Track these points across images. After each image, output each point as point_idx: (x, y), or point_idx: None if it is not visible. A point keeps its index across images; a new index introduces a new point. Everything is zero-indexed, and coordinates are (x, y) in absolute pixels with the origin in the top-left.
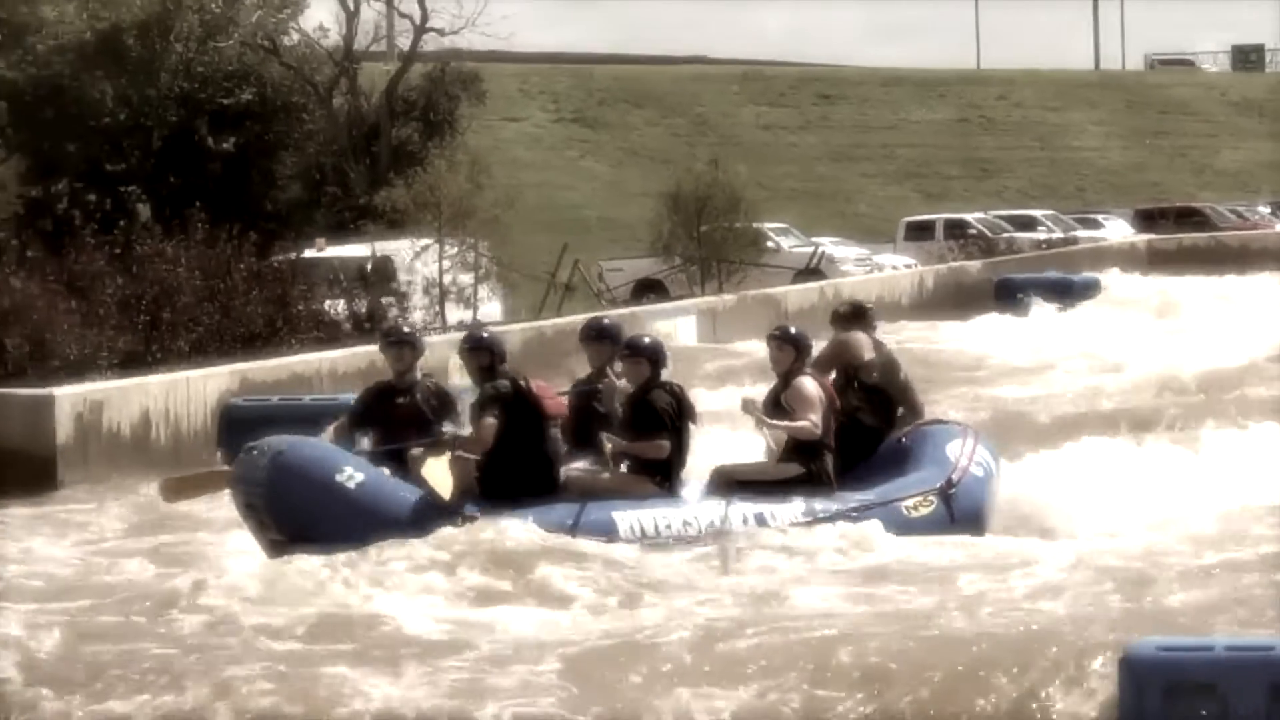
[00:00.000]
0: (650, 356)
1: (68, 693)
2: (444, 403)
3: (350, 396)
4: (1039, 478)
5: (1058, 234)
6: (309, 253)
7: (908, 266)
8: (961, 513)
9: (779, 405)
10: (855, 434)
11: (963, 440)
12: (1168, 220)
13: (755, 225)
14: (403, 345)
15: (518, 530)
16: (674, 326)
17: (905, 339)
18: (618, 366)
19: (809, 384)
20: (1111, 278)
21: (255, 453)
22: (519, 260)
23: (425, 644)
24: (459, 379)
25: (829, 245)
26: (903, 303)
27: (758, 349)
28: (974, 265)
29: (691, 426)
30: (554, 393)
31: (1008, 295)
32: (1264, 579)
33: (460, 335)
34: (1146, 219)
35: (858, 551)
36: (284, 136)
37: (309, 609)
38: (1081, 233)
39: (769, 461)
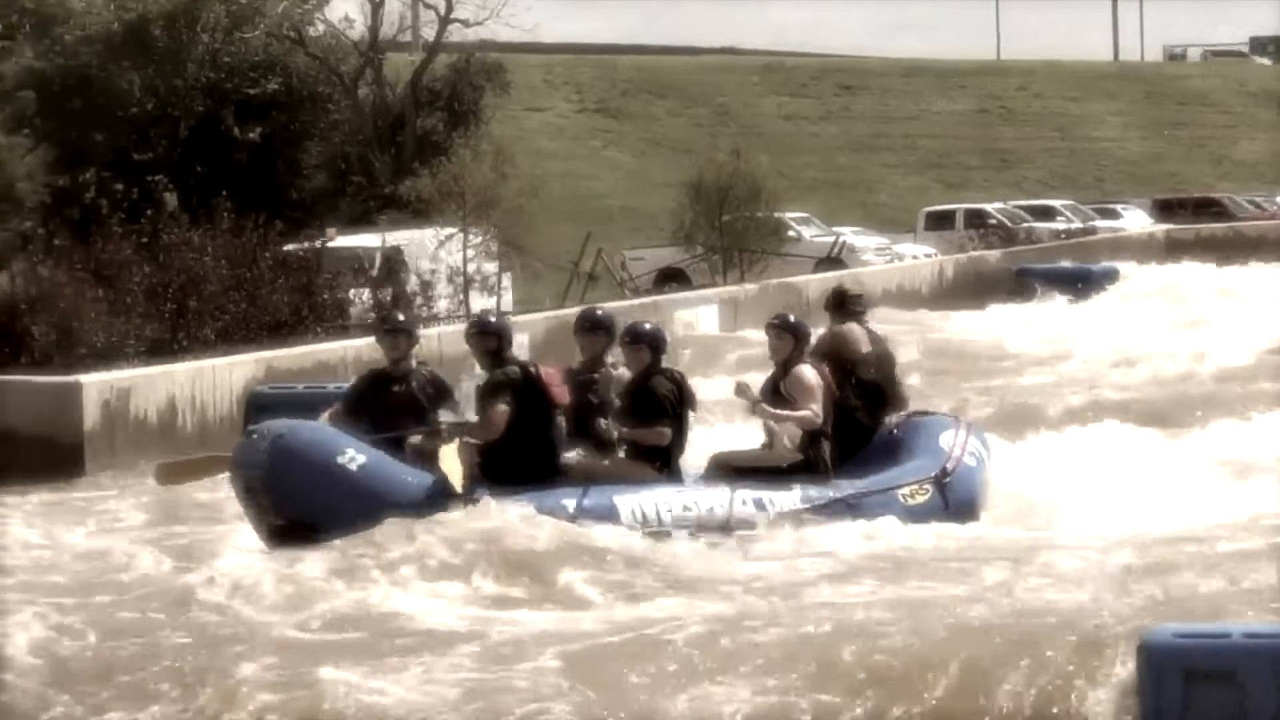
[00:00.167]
0: (651, 343)
1: (72, 692)
2: (439, 391)
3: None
4: (1049, 467)
5: (1077, 224)
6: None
7: (928, 256)
8: (956, 501)
9: (778, 393)
10: (849, 427)
11: (955, 430)
12: (1186, 210)
13: (777, 215)
14: (398, 334)
15: (523, 518)
16: (696, 315)
17: (923, 327)
18: (610, 357)
19: (809, 372)
20: (1130, 267)
21: (255, 436)
22: (543, 249)
23: (433, 640)
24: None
25: (850, 235)
26: (923, 292)
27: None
28: (993, 255)
29: (691, 414)
30: (559, 380)
31: (1027, 285)
32: (1276, 567)
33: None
34: (1165, 209)
35: (866, 543)
36: (309, 126)
37: (319, 605)
38: (1100, 223)
39: (768, 447)
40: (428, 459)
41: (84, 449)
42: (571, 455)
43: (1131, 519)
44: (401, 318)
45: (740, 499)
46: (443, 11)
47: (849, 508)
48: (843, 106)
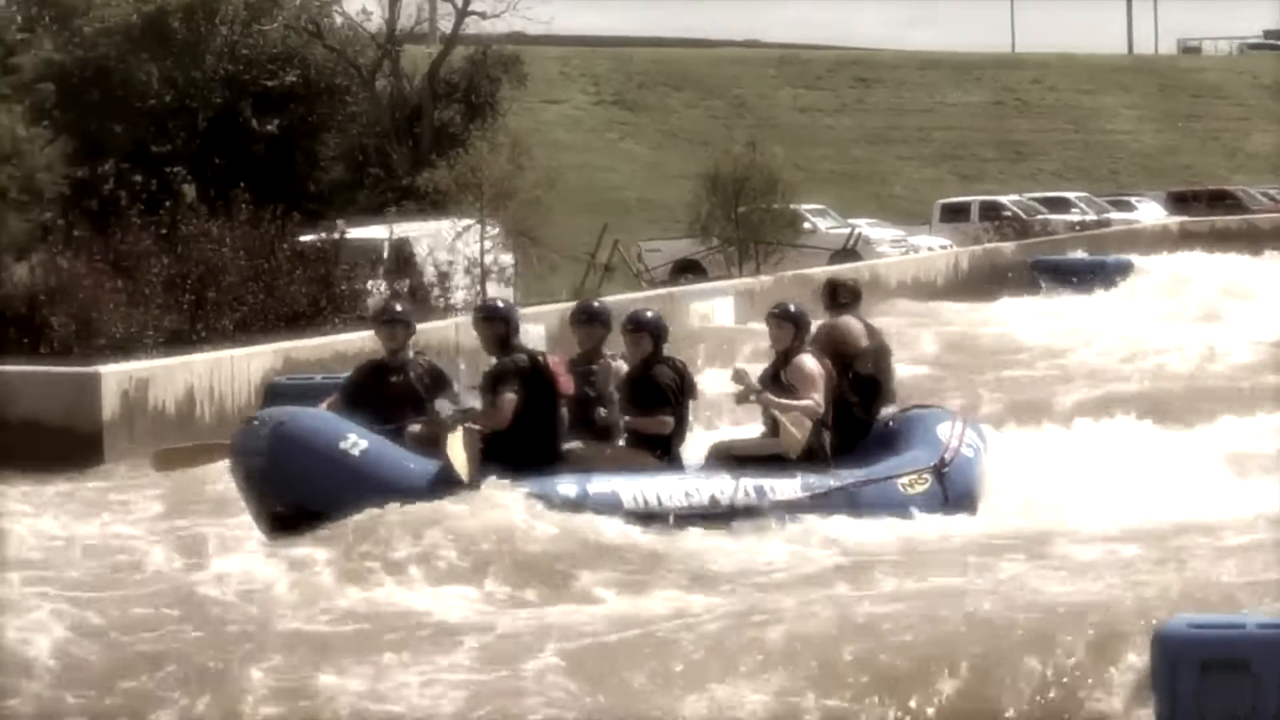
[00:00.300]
0: (652, 331)
1: (77, 696)
2: (437, 381)
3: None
4: (1060, 461)
5: (1091, 216)
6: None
7: (943, 248)
8: (955, 491)
9: (778, 382)
10: (846, 421)
11: (952, 423)
12: (1200, 203)
13: (792, 207)
14: (395, 324)
15: (528, 511)
16: (712, 307)
17: (937, 319)
18: (607, 349)
19: (810, 361)
20: (1144, 260)
21: (256, 423)
22: (559, 241)
23: (440, 639)
24: None
25: (865, 227)
26: (938, 283)
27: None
28: (1008, 247)
29: (691, 402)
30: (564, 370)
31: (1043, 277)
32: None
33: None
34: (1179, 201)
35: (872, 536)
36: (327, 118)
37: (327, 603)
38: (1114, 215)
39: (768, 436)
40: (432, 446)
41: (103, 439)
42: (574, 445)
43: (1143, 512)
44: (399, 308)
45: (742, 487)
46: (460, 4)
47: (849, 496)
48: (858, 99)
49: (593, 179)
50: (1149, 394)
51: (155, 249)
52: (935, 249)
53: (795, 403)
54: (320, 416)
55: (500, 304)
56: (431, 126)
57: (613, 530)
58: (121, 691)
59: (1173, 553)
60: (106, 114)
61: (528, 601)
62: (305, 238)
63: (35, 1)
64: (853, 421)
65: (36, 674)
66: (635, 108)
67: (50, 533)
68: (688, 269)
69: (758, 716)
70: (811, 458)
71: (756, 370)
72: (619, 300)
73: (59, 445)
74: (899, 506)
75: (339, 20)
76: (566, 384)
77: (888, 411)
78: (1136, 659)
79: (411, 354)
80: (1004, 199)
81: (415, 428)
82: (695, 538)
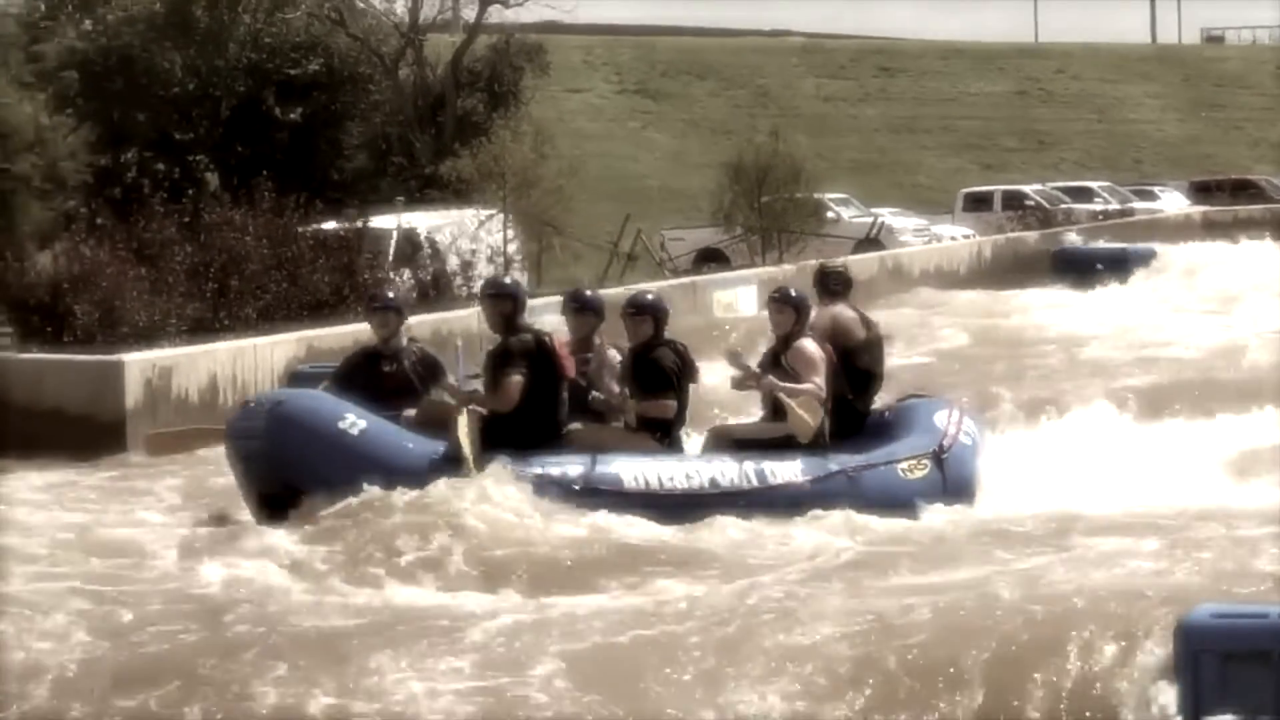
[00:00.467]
0: (654, 314)
1: (81, 703)
2: (430, 369)
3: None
4: (1077, 452)
5: (1114, 205)
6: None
7: (966, 237)
8: (954, 478)
9: (778, 365)
10: (843, 412)
11: (949, 411)
12: (1223, 192)
13: (816, 196)
14: (388, 311)
15: (531, 496)
16: (735, 296)
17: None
18: (598, 337)
19: (811, 345)
20: (1167, 249)
21: (253, 405)
22: (582, 230)
23: (445, 639)
24: None
25: (888, 216)
26: (960, 272)
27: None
28: (1031, 236)
29: (692, 385)
30: (568, 352)
31: (1065, 266)
32: None
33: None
34: (1202, 191)
35: (882, 527)
36: (350, 107)
37: (334, 602)
38: (1138, 204)
39: (767, 420)
40: (430, 428)
41: (125, 427)
42: (575, 426)
43: (1161, 502)
44: (391, 294)
45: (742, 470)
46: None
47: (849, 480)
48: (881, 88)
49: (615, 168)
50: (1167, 384)
51: (178, 237)
52: (958, 238)
53: (799, 386)
54: (318, 397)
55: (508, 281)
56: (454, 115)
57: (618, 522)
58: (125, 695)
59: (1192, 543)
60: (129, 102)
61: (533, 597)
62: (327, 225)
63: None
64: (849, 412)
65: (37, 677)
66: (658, 97)
67: (65, 523)
68: (711, 258)
69: (777, 714)
70: (811, 442)
71: (752, 361)
72: (641, 289)
73: (82, 433)
74: (899, 491)
75: (362, 9)
76: (570, 365)
77: (884, 401)
78: (1159, 649)
79: (404, 341)
80: (1027, 188)
81: (410, 412)
82: (702, 529)
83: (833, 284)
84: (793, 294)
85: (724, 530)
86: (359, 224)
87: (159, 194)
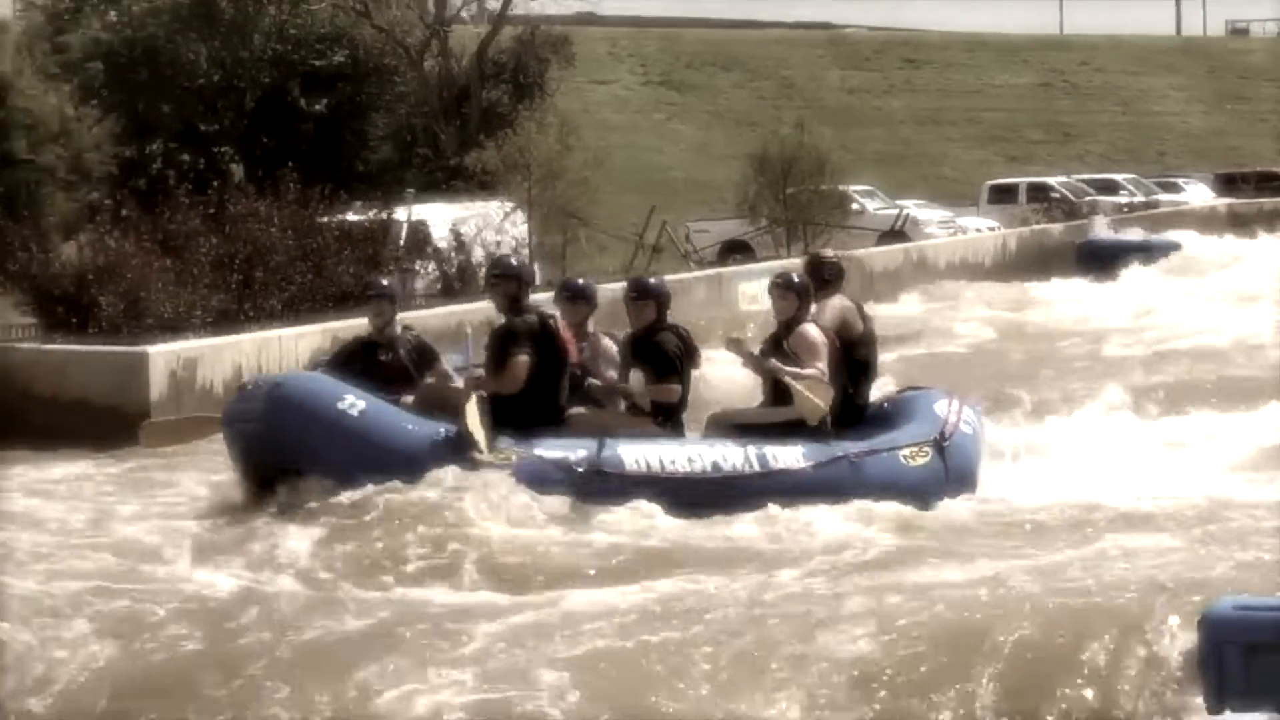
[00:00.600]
0: (657, 298)
1: (79, 703)
2: (424, 356)
3: (455, 355)
4: (1091, 445)
5: (1139, 198)
6: (351, 216)
7: (991, 229)
8: (955, 466)
9: (781, 351)
10: (842, 405)
11: (949, 401)
12: (1248, 185)
13: (841, 188)
14: (382, 299)
15: (534, 484)
16: (760, 288)
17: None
18: (590, 325)
19: (814, 331)
20: (1191, 241)
21: (250, 388)
22: (607, 222)
23: (451, 641)
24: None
25: (913, 208)
26: (985, 264)
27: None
28: (1056, 228)
29: (694, 370)
30: (571, 336)
31: (1090, 258)
32: None
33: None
34: (1227, 183)
35: (897, 524)
36: (375, 98)
37: (340, 600)
38: (1162, 197)
39: (767, 404)
40: (435, 410)
41: (150, 419)
42: (577, 410)
43: (1182, 496)
44: (385, 282)
45: (744, 454)
46: None
47: (851, 466)
48: (906, 80)
49: (640, 159)
50: (1187, 378)
51: (203, 229)
52: (983, 230)
53: (802, 371)
54: (316, 379)
55: (513, 262)
56: (479, 107)
57: (627, 517)
58: (130, 700)
59: (1213, 536)
60: (154, 93)
61: (543, 598)
62: (352, 217)
63: None
64: (848, 403)
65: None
66: (683, 88)
67: (82, 517)
68: (736, 249)
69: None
70: (813, 427)
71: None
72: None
73: (106, 424)
74: (901, 478)
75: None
76: (573, 348)
77: (885, 392)
78: (1182, 641)
79: (399, 329)
80: (1052, 180)
81: (408, 399)
82: (712, 524)
83: (827, 273)
84: (795, 279)
85: (734, 526)
86: (383, 215)
87: (184, 185)
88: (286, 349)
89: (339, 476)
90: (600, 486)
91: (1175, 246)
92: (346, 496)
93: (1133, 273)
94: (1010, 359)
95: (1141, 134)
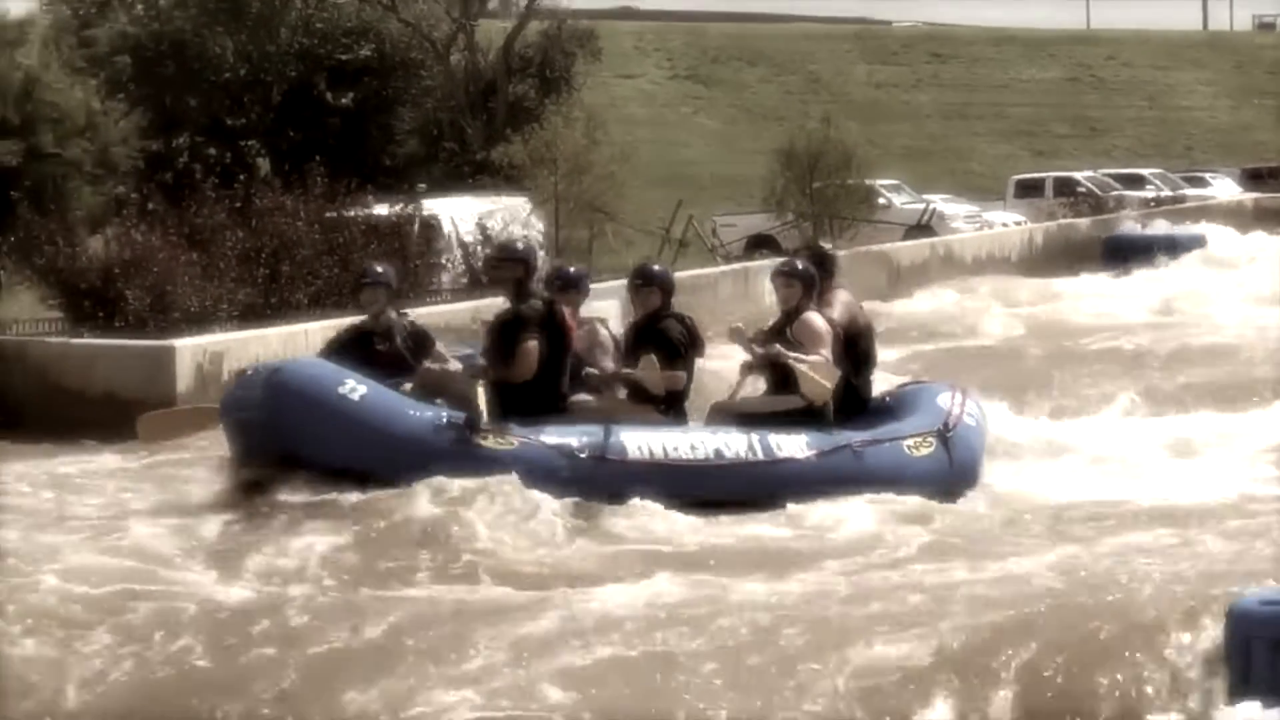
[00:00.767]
0: (661, 285)
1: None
2: (421, 342)
3: (467, 349)
4: (1111, 441)
5: (1166, 192)
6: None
7: (1017, 224)
8: (959, 457)
9: (784, 339)
10: (845, 396)
11: (952, 393)
12: (1275, 179)
13: (867, 182)
14: (377, 286)
15: (534, 464)
16: None
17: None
18: (583, 311)
19: (818, 319)
20: (1217, 236)
21: (249, 374)
22: (634, 216)
23: (455, 640)
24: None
25: (940, 202)
26: (1012, 259)
27: (868, 306)
28: (1083, 223)
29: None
30: (574, 324)
31: (1116, 253)
32: None
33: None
34: (1254, 178)
35: (914, 521)
36: (402, 92)
37: (356, 603)
38: (1189, 191)
39: (769, 394)
40: (434, 395)
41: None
42: (578, 397)
43: (1204, 491)
44: (380, 269)
45: (749, 443)
46: None
47: (855, 455)
48: (933, 74)
49: (667, 154)
50: (1211, 374)
51: (229, 222)
52: (1009, 225)
53: (807, 358)
54: (315, 364)
55: (519, 246)
56: (506, 101)
57: (641, 513)
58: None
59: (1240, 530)
60: (181, 87)
61: (548, 600)
62: (379, 210)
63: None
64: (851, 394)
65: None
66: (709, 83)
67: (106, 513)
68: (762, 244)
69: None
70: (813, 416)
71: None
72: (694, 275)
73: (134, 418)
74: (905, 468)
75: None
76: (577, 335)
77: (889, 384)
78: (1210, 635)
79: (394, 315)
80: (1078, 175)
81: (407, 386)
82: (719, 521)
83: (829, 265)
84: (800, 267)
85: (745, 525)
86: (409, 209)
87: (210, 179)
88: (313, 342)
89: (340, 462)
90: (603, 473)
91: (1202, 241)
92: (353, 498)
93: (1159, 267)
94: (1034, 355)
95: (1168, 129)
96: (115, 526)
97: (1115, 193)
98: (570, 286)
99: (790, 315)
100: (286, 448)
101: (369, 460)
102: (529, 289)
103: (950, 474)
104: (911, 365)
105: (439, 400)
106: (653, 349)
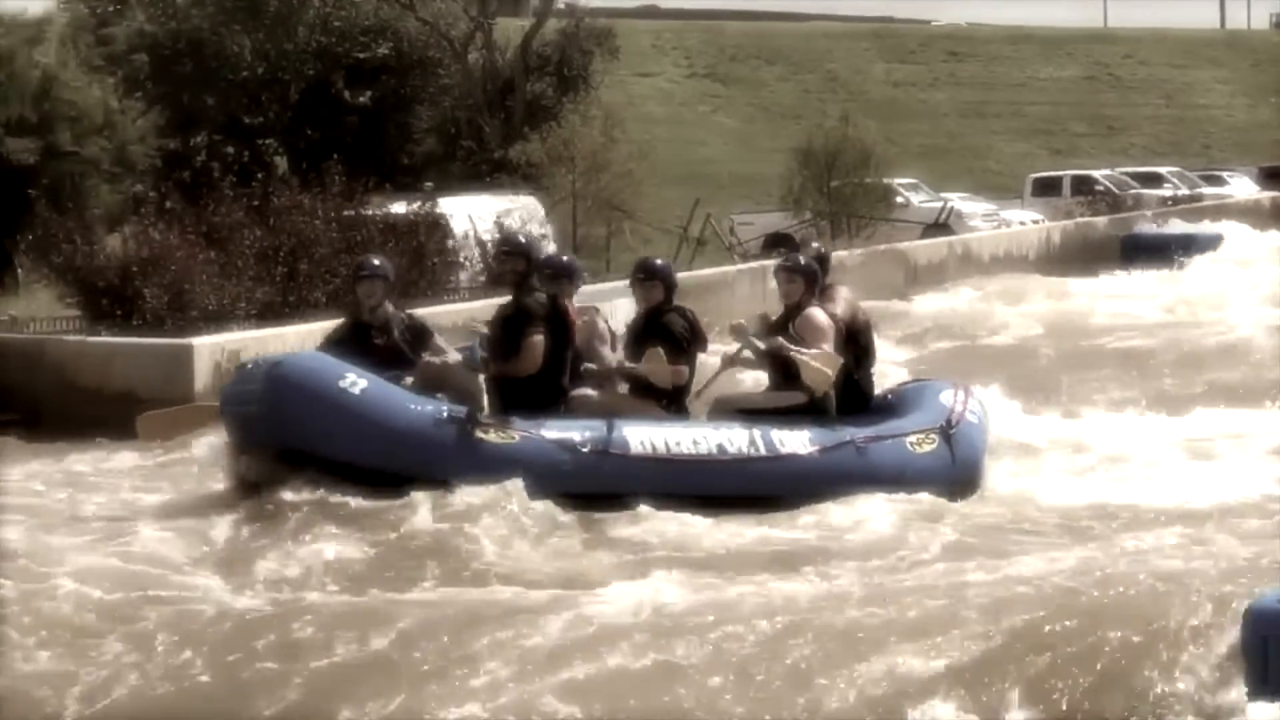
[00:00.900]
0: (664, 280)
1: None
2: (418, 335)
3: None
4: (1127, 440)
5: (1183, 191)
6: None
7: (1035, 222)
8: (961, 454)
9: (786, 334)
10: (850, 393)
11: (955, 390)
12: None
13: (885, 181)
14: (374, 279)
15: (536, 458)
16: None
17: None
18: (576, 300)
19: (820, 314)
20: (1235, 234)
21: (249, 368)
22: (652, 214)
23: (459, 642)
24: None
25: (957, 201)
26: (1029, 257)
27: (886, 304)
28: (1100, 221)
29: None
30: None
31: (1134, 251)
32: None
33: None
34: (1271, 176)
35: (923, 522)
36: (419, 91)
37: (367, 608)
38: (1207, 190)
39: (773, 390)
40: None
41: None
42: (580, 391)
43: (1217, 491)
44: (377, 262)
45: (751, 437)
46: None
47: (858, 451)
48: (950, 73)
49: (684, 152)
50: (1227, 373)
51: (247, 221)
52: (1027, 223)
53: (810, 352)
54: (316, 358)
55: (521, 239)
56: (524, 99)
57: (649, 516)
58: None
59: (1257, 529)
60: (199, 86)
61: (554, 605)
62: (397, 208)
63: None
64: (854, 391)
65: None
66: (727, 81)
67: (120, 512)
68: (780, 242)
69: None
70: (816, 411)
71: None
72: (711, 273)
73: None
74: (908, 464)
75: None
76: (579, 328)
77: (890, 383)
78: (1227, 635)
79: (391, 308)
80: (1096, 173)
81: (408, 380)
82: (726, 522)
83: (827, 264)
84: (802, 262)
85: (753, 527)
86: (427, 208)
87: (228, 178)
88: None
89: (341, 456)
90: (605, 468)
91: (1219, 239)
92: (359, 503)
93: (1177, 266)
94: (1050, 354)
95: (1186, 127)
96: (126, 529)
97: (1133, 191)
98: (561, 275)
99: (792, 310)
100: (287, 442)
101: (370, 454)
102: (530, 283)
103: (953, 471)
104: (928, 363)
105: (440, 394)
106: (656, 343)
